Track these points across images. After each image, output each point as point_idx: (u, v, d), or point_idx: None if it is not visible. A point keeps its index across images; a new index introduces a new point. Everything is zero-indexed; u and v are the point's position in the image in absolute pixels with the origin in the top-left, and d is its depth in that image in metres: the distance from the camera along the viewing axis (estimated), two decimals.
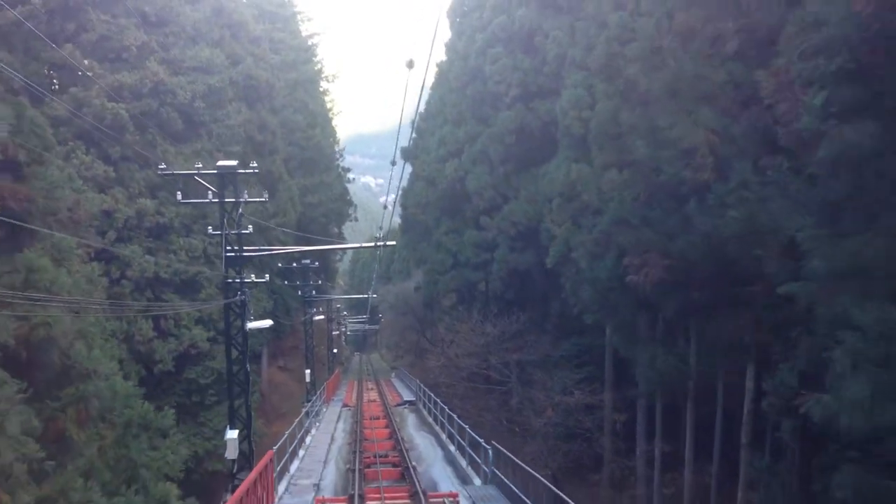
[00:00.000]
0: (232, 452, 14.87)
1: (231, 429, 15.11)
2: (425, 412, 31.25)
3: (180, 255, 29.38)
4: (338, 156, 65.84)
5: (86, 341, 12.65)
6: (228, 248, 14.87)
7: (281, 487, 15.69)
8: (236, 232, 14.95)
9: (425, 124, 47.19)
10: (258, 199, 16.63)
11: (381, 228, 22.78)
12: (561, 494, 11.20)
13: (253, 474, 11.31)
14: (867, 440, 9.97)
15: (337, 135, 67.83)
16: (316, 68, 59.32)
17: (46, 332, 11.21)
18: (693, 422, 24.49)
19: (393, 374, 61.49)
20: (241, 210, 14.73)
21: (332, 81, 64.90)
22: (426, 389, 32.70)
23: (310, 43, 58.54)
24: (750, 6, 9.52)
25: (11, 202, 11.26)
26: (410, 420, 30.65)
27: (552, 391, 29.35)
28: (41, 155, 12.49)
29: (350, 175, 70.21)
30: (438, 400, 27.38)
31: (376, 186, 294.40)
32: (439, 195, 41.87)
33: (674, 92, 12.40)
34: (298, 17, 56.91)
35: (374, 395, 42.88)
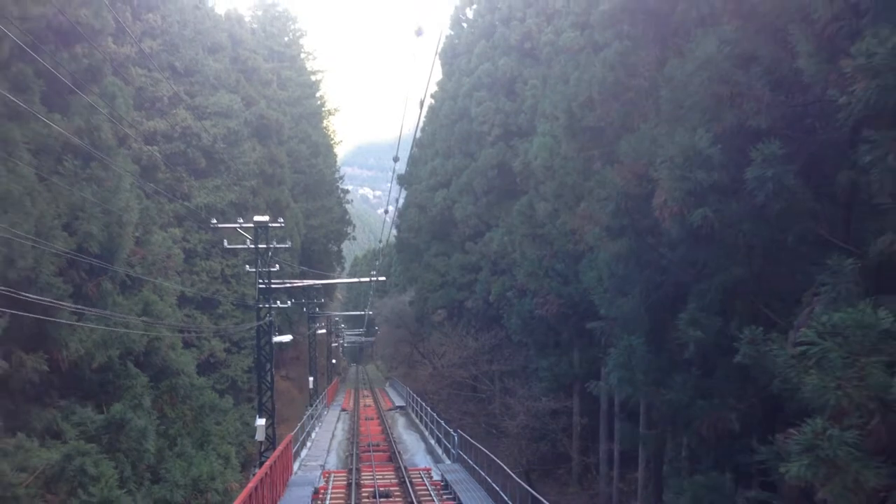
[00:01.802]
0: (260, 435, 19.32)
1: (259, 418, 19.53)
2: (413, 415, 35.19)
3: (202, 276, 33.73)
4: (337, 181, 70.42)
5: (175, 350, 17.46)
6: (260, 281, 19.36)
7: (294, 466, 20.01)
8: (267, 270, 19.43)
9: (419, 153, 51.11)
10: (283, 246, 21.06)
11: (379, 241, 28.87)
12: (494, 458, 15.55)
13: (281, 447, 15.64)
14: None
15: (337, 162, 72.51)
16: (318, 103, 63.97)
17: (158, 344, 16.02)
18: (646, 425, 28.64)
19: (387, 384, 64.58)
20: (270, 254, 19.24)
21: (334, 114, 69.90)
22: (416, 396, 36.57)
23: (313, 79, 63.31)
24: (610, 138, 14.06)
25: (135, 260, 16.12)
26: (400, 422, 34.77)
27: (523, 398, 33.45)
28: (150, 228, 17.37)
29: (349, 196, 74.69)
30: (424, 403, 31.50)
31: (374, 198, 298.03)
32: (430, 221, 45.25)
33: (560, 194, 19.12)
34: (303, 55, 61.70)
35: (369, 401, 47.00)
